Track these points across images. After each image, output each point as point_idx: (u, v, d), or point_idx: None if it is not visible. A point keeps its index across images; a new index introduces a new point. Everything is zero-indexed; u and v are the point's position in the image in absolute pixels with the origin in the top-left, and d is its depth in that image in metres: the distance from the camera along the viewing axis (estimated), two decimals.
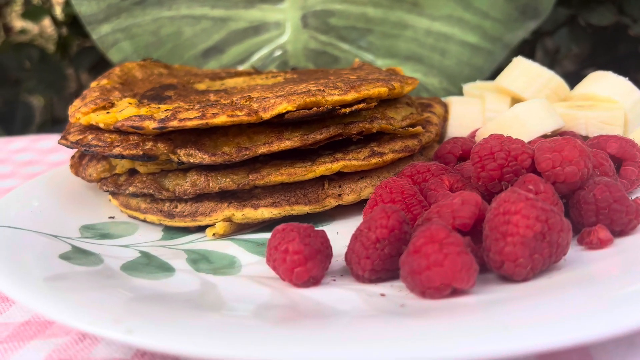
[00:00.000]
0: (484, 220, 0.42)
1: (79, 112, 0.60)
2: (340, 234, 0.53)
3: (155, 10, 1.03)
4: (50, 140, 1.11)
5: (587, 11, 1.03)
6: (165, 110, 0.54)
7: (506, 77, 0.70)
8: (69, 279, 0.41)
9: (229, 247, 0.53)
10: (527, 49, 1.04)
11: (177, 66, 0.85)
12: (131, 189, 0.57)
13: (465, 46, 1.02)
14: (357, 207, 0.57)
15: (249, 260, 0.50)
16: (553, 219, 0.39)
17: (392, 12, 1.05)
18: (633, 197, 0.50)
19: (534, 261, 0.39)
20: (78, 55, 1.64)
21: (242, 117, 0.51)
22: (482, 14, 1.00)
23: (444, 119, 0.70)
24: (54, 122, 1.75)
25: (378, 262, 0.42)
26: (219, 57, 1.07)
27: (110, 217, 0.61)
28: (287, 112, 0.51)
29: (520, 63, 0.70)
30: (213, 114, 0.51)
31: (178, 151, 0.53)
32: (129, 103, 0.59)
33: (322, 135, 0.53)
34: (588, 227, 0.45)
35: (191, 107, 0.54)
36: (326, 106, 0.52)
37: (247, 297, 0.41)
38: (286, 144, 0.52)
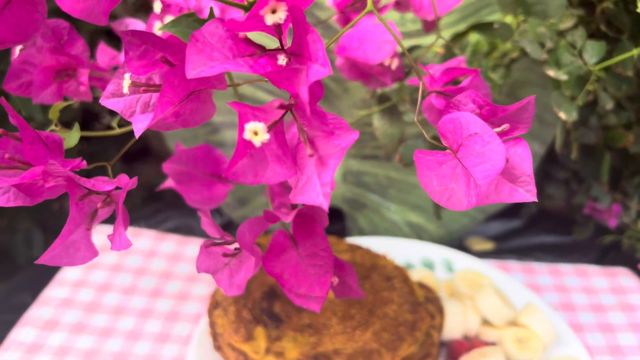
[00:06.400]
0: None
1: (232, 339, 1.02)
2: None
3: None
4: None
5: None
6: None
7: (481, 301, 1.15)
8: None
9: None
10: None
11: None
12: None
13: None
14: None
15: None
16: None
17: (407, 176, 1.44)
18: None
19: None
20: None
21: None
22: None
23: (441, 326, 1.16)
24: None
25: None
26: None
27: None
28: None
29: (488, 297, 1.14)
30: None
31: None
32: (263, 341, 1.02)
33: None
34: None
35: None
36: None
37: None
38: None
